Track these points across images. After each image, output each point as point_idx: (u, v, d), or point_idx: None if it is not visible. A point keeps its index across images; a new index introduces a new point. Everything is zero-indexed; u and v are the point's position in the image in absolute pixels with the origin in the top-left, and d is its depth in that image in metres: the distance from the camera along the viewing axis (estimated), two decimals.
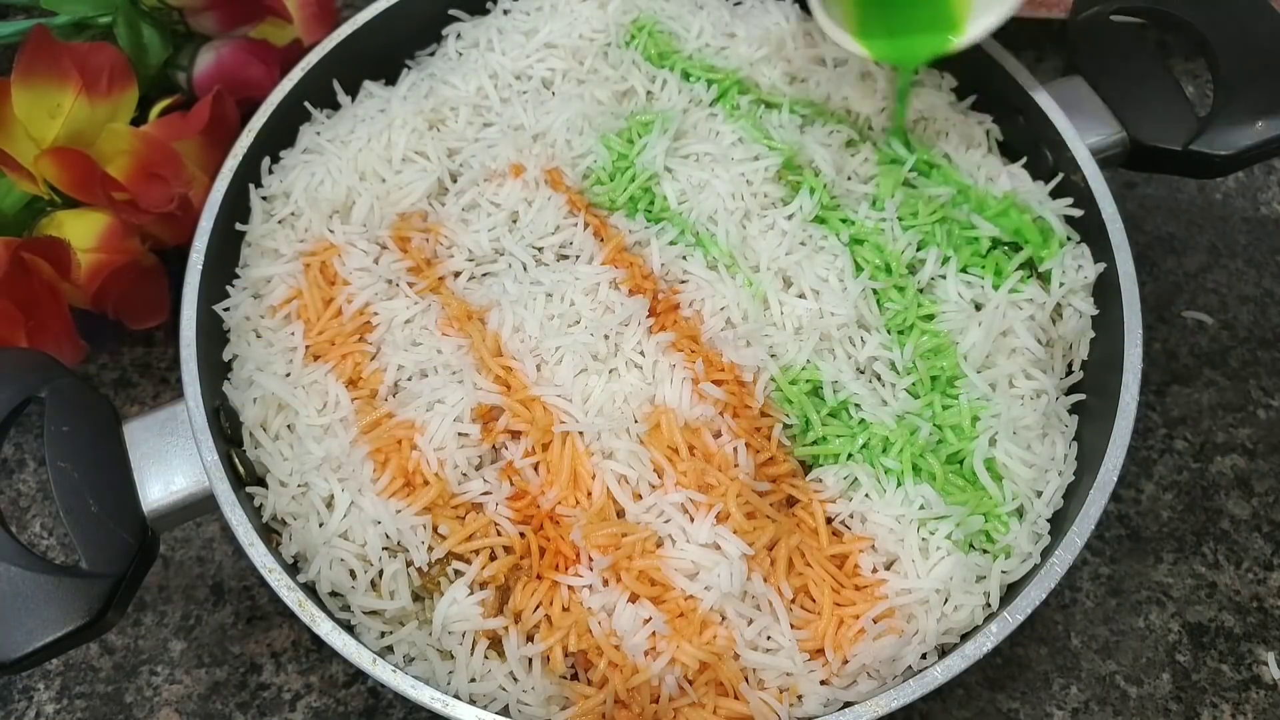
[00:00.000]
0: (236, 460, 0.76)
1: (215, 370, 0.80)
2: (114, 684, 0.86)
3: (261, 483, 0.77)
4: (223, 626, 0.88)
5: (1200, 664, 0.87)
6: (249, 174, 0.86)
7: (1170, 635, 0.88)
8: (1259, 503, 0.94)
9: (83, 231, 0.87)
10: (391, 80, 0.94)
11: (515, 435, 0.74)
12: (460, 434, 0.74)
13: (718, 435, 0.74)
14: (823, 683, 0.70)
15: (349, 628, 0.71)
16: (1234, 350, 1.00)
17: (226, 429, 0.77)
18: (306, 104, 0.90)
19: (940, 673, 0.68)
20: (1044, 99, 0.87)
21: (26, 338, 0.85)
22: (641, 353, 0.76)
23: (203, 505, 0.73)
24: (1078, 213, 0.84)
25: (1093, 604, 0.89)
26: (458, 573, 0.71)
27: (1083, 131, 0.86)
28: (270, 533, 0.75)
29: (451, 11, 0.96)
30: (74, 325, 0.89)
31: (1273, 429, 0.96)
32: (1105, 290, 0.82)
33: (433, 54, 0.96)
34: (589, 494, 0.72)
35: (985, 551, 0.74)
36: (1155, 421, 0.97)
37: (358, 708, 0.85)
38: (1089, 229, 0.84)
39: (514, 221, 0.84)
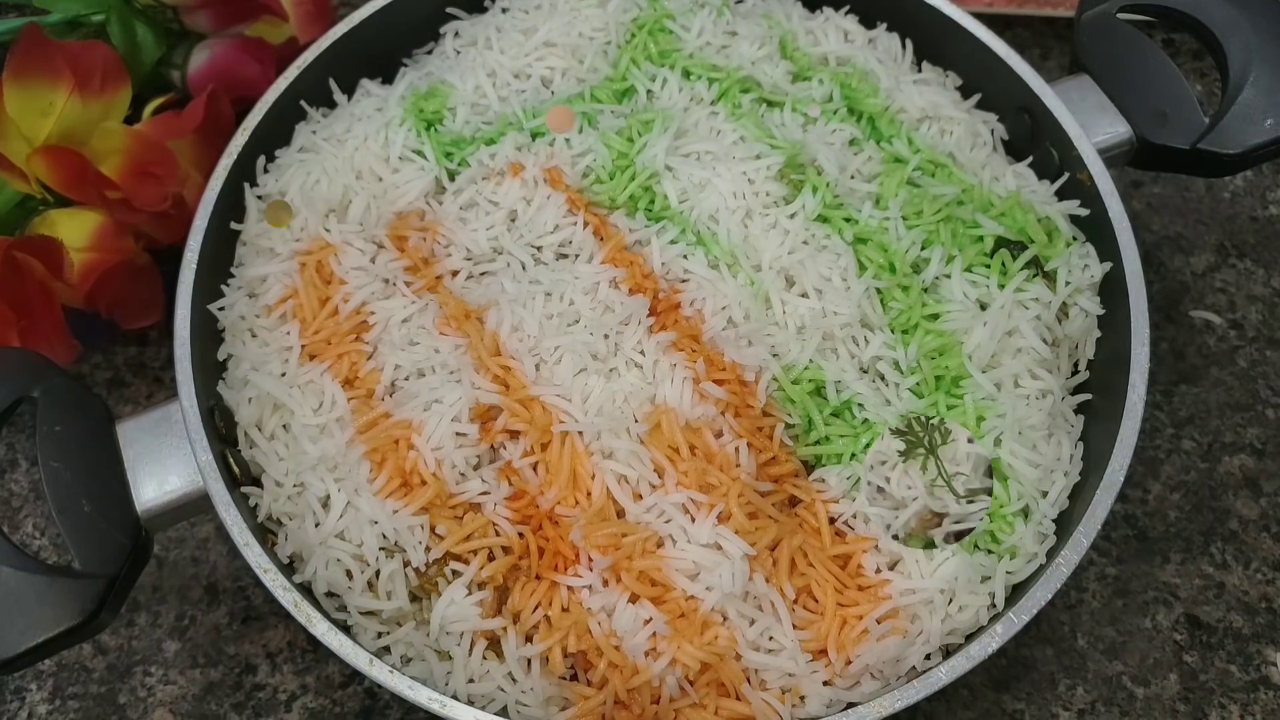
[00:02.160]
0: (231, 460, 0.75)
1: (210, 370, 0.79)
2: (107, 684, 0.85)
3: (257, 483, 0.76)
4: (217, 627, 0.87)
5: (1208, 665, 0.86)
6: (244, 173, 0.85)
7: (1178, 636, 0.87)
8: (1267, 503, 0.93)
9: (76, 230, 0.87)
10: (389, 79, 0.93)
11: (514, 435, 0.73)
12: (458, 434, 0.73)
13: (719, 435, 0.73)
14: (826, 683, 0.69)
15: (345, 628, 0.71)
16: (1242, 350, 0.99)
17: (221, 429, 0.77)
18: (303, 103, 0.89)
19: (945, 673, 0.67)
20: (1050, 98, 0.86)
21: (19, 337, 0.84)
22: (642, 352, 0.75)
23: (197, 505, 0.73)
24: (1084, 212, 0.83)
25: (1099, 604, 0.88)
26: (455, 573, 0.70)
27: (1089, 130, 0.85)
28: (265, 533, 0.75)
29: (449, 9, 0.95)
30: (67, 325, 0.88)
31: None
32: (1111, 290, 0.81)
33: (430, 52, 0.95)
34: (588, 494, 0.71)
35: (990, 552, 0.73)
36: (1163, 421, 0.96)
37: (354, 709, 0.84)
38: (1095, 228, 0.83)
39: (512, 220, 0.83)
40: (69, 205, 0.88)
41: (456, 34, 0.94)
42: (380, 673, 0.67)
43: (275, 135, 0.88)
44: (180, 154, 0.90)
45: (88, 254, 0.87)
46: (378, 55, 0.93)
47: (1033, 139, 0.88)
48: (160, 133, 0.90)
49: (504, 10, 0.94)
